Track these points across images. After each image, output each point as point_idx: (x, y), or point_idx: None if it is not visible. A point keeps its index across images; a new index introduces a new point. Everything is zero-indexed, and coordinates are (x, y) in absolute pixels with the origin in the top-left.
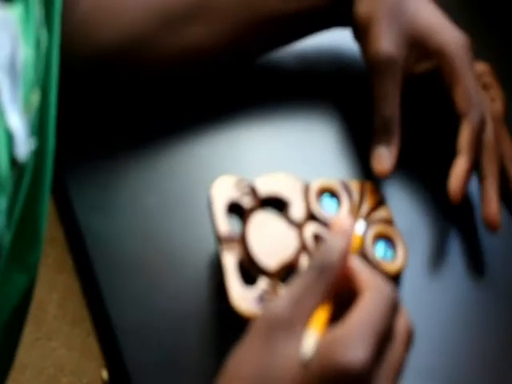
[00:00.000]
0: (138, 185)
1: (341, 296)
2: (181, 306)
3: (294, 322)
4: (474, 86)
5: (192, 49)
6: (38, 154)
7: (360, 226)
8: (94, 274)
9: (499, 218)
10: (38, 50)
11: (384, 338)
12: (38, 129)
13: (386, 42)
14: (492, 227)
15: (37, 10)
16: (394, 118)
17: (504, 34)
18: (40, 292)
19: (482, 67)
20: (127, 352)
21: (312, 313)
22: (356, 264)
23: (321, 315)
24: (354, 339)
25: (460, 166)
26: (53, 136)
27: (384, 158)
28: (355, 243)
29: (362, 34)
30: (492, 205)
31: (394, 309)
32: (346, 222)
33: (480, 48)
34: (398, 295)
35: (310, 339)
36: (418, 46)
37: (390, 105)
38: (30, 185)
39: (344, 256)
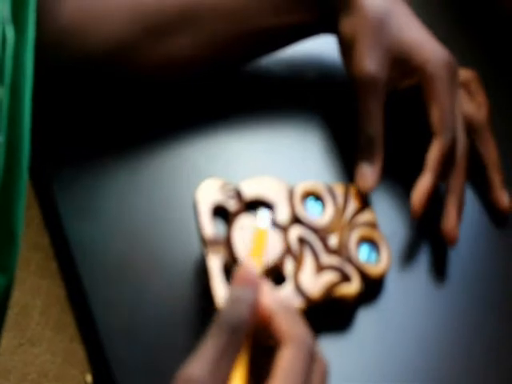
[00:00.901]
0: (123, 188)
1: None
2: (166, 310)
3: None
4: (450, 105)
5: (177, 57)
6: (10, 152)
7: (264, 217)
8: (79, 278)
9: (457, 233)
10: (2, 47)
11: None
12: (7, 126)
13: (369, 61)
14: (449, 241)
15: (0, 8)
16: (378, 136)
17: (486, 40)
18: (24, 298)
19: (467, 74)
20: (112, 356)
21: (230, 374)
22: (273, 309)
23: (239, 375)
24: None
25: (423, 183)
26: (27, 136)
27: (367, 175)
28: (260, 239)
29: (346, 50)
30: (450, 220)
31: (312, 361)
32: (251, 270)
33: (463, 53)
34: (315, 342)
35: None
36: (401, 63)
37: (374, 122)
38: (1, 183)
39: (254, 308)
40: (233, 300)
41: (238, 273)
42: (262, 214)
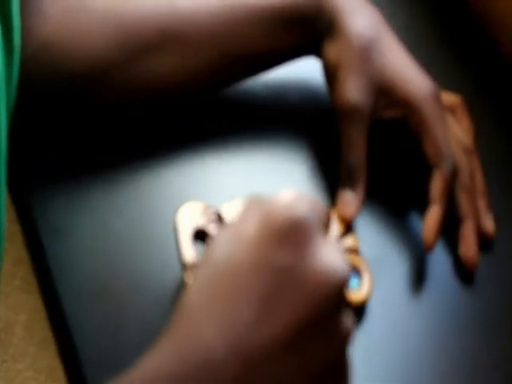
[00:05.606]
0: (103, 209)
1: None
2: (145, 331)
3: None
4: (442, 134)
5: (160, 79)
6: None
7: None
8: (58, 298)
9: (477, 259)
10: None
11: None
12: None
13: (352, 91)
14: (470, 267)
15: None
16: (360, 164)
17: (472, 65)
18: (7, 314)
19: (453, 99)
20: (92, 377)
21: None
22: None
23: None
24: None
25: (432, 217)
26: (5, 136)
27: (349, 203)
28: None
29: (329, 76)
30: (470, 246)
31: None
32: None
33: (448, 78)
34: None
35: None
36: (385, 94)
37: (356, 151)
38: None
39: None
40: None
41: None
42: None
